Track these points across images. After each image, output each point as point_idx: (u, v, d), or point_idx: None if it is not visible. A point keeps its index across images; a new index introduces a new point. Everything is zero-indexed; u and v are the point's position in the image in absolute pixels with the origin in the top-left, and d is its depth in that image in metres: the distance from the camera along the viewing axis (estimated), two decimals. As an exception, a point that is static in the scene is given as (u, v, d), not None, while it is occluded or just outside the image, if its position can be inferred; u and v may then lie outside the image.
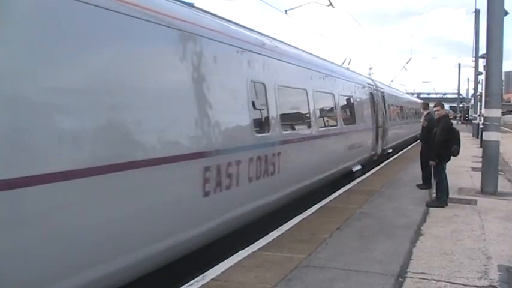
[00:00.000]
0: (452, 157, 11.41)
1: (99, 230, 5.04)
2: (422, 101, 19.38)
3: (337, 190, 13.00)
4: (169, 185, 6.20)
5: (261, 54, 9.17)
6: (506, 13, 13.09)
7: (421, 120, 14.16)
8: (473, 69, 41.68)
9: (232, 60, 8.21)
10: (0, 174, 4.03)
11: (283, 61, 10.25)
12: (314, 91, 11.74)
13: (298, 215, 9.90)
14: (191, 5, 7.73)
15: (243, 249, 7.49)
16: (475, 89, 44.39)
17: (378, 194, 12.46)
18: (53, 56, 4.63)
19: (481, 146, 17.53)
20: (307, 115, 11.39)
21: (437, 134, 11.14)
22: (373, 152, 19.12)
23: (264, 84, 9.01)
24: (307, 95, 11.28)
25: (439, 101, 13.34)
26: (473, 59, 41.12)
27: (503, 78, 16.42)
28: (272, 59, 9.64)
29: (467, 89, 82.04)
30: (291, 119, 10.57)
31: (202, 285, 6.04)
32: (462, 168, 17.11)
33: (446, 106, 13.88)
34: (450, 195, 11.37)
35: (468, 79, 74.56)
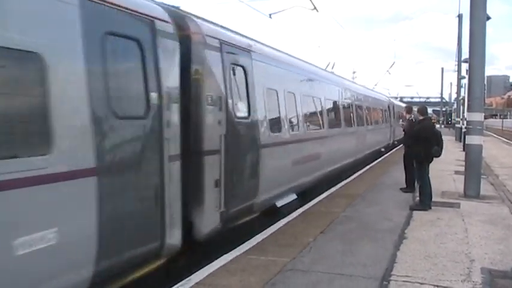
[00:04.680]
0: (435, 159, 11.49)
1: None
2: (406, 105, 19.47)
3: (320, 194, 13.01)
4: None
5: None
6: (489, 18, 13.18)
7: (403, 123, 14.19)
8: (456, 73, 42.06)
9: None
10: None
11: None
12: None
13: (282, 219, 9.90)
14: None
15: (227, 253, 7.46)
16: (458, 93, 44.68)
17: (361, 198, 12.49)
18: None
19: (463, 150, 17.64)
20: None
21: (415, 129, 11.47)
22: None
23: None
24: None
25: (423, 105, 13.42)
26: (457, 63, 41.51)
27: (485, 82, 16.56)
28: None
29: (450, 93, 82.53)
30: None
31: (186, 290, 6.02)
32: (445, 172, 17.23)
33: (430, 110, 13.82)
34: (433, 199, 11.42)
35: (451, 83, 74.97)
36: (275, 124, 10.27)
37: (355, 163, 19.33)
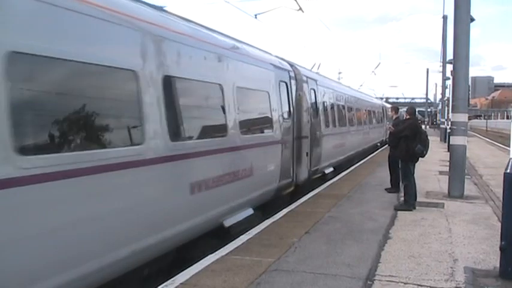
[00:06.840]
0: (420, 159, 11.57)
1: None
2: (392, 105, 19.36)
3: (305, 194, 13.03)
4: None
5: None
6: (472, 20, 13.29)
7: (389, 124, 14.20)
8: (441, 74, 42.34)
9: None
10: None
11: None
12: None
13: (267, 219, 9.91)
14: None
15: (212, 253, 7.46)
16: (443, 94, 45.05)
17: (346, 198, 12.52)
18: None
19: (448, 150, 17.78)
20: None
21: (399, 128, 11.58)
22: None
23: None
24: None
25: (412, 106, 13.50)
26: (441, 64, 41.77)
27: (469, 83, 16.70)
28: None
29: (435, 94, 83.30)
30: None
31: (170, 290, 6.01)
32: (430, 172, 17.33)
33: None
34: (418, 199, 11.50)
35: (436, 84, 75.81)
36: None
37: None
